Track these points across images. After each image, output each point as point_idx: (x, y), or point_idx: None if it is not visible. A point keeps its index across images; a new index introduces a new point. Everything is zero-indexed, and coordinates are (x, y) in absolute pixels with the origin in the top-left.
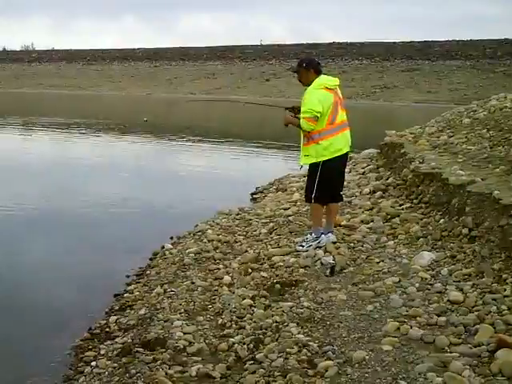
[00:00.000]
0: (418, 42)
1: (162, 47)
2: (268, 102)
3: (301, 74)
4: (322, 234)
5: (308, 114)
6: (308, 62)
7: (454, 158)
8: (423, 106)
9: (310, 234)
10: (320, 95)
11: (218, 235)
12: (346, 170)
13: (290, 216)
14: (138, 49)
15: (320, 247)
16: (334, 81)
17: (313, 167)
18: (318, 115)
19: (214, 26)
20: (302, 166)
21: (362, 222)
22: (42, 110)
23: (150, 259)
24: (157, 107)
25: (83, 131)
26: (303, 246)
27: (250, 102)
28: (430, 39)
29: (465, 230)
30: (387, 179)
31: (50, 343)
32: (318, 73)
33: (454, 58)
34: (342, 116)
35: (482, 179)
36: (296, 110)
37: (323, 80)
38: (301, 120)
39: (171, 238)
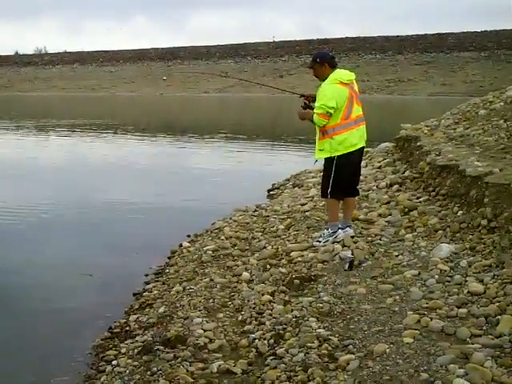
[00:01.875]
0: (432, 34)
1: (173, 47)
2: (282, 98)
3: (315, 69)
4: (339, 228)
5: (321, 109)
6: (321, 56)
7: (470, 149)
8: (438, 99)
9: (327, 229)
10: (334, 90)
11: (236, 232)
12: (362, 164)
13: (307, 211)
14: (151, 49)
15: (337, 242)
16: (349, 75)
17: (328, 162)
18: (331, 111)
19: (225, 23)
20: (316, 161)
21: (379, 215)
22: (56, 112)
23: (168, 257)
24: (170, 106)
25: (97, 132)
26: (320, 242)
27: (266, 85)
28: (444, 31)
29: (484, 222)
30: (404, 172)
31: (71, 343)
32: (333, 66)
33: (469, 49)
34: (357, 110)
35: (500, 170)
36: (311, 98)
37: (338, 74)
38: (314, 115)
39: (188, 235)
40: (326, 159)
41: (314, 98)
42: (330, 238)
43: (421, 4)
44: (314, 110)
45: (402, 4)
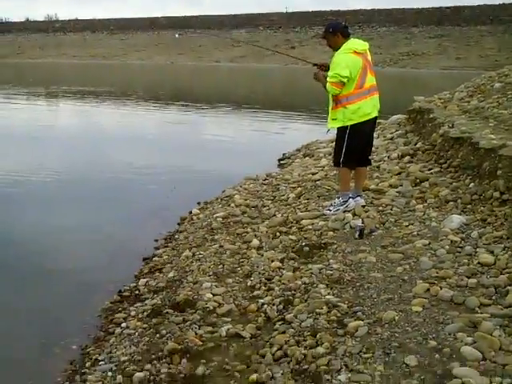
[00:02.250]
0: (447, 7)
1: (185, 15)
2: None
3: (329, 39)
4: (350, 198)
5: (334, 78)
6: (334, 26)
7: (484, 122)
8: (452, 73)
9: (338, 198)
10: (348, 60)
11: (246, 200)
12: (374, 135)
13: (317, 180)
14: (162, 17)
15: (348, 211)
16: (363, 45)
17: (341, 131)
18: (345, 80)
19: None
20: (329, 130)
21: (390, 186)
22: (66, 80)
23: (178, 224)
24: (181, 75)
25: (108, 100)
26: (331, 210)
27: (280, 52)
28: (460, 3)
29: (496, 194)
30: (415, 144)
31: (81, 306)
32: (346, 36)
33: (485, 23)
34: (371, 80)
35: None
36: (324, 68)
37: (352, 44)
38: (327, 84)
39: (198, 203)
40: (338, 128)
41: (327, 68)
42: (341, 207)
43: None
44: (328, 79)
45: None
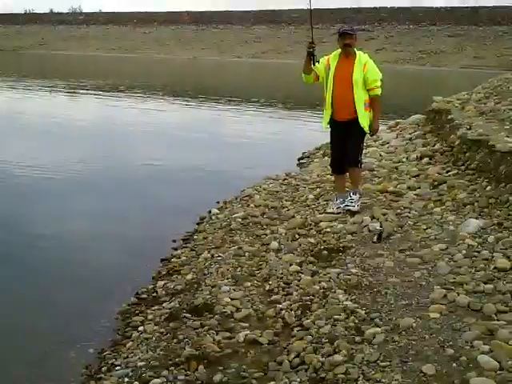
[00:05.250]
0: (466, 7)
1: (208, 10)
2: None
3: (353, 40)
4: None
5: (381, 82)
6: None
7: (501, 124)
8: (470, 72)
9: (355, 193)
10: None
11: (265, 200)
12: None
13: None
14: (185, 12)
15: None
16: None
17: (363, 134)
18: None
19: None
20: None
21: (408, 188)
22: (89, 72)
23: (197, 224)
24: (204, 70)
25: (130, 95)
26: (354, 206)
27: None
28: (478, 5)
29: None
30: (434, 145)
31: (98, 308)
32: None
33: (501, 23)
34: None
35: None
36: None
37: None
38: (378, 89)
39: (217, 202)
40: (363, 130)
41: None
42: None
43: None
44: (378, 84)
45: None
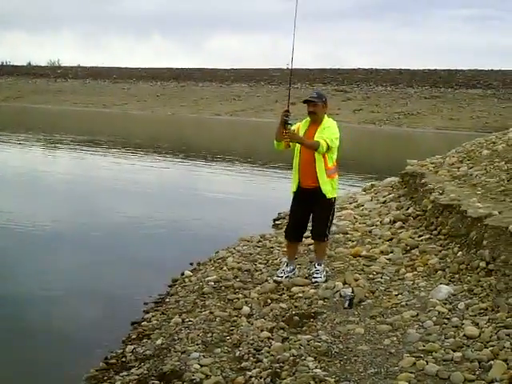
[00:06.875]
0: (442, 70)
1: (188, 68)
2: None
3: (320, 107)
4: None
5: (333, 143)
6: (326, 98)
7: (472, 189)
8: (445, 133)
9: (320, 264)
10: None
11: (239, 263)
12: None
13: (310, 245)
14: (165, 68)
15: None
16: None
17: (330, 203)
18: (334, 149)
19: (241, 47)
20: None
21: (381, 252)
22: (66, 127)
23: (169, 286)
24: (181, 128)
25: (106, 150)
26: (321, 277)
27: None
28: (454, 68)
29: (482, 264)
30: (408, 209)
31: (64, 373)
32: None
33: (476, 86)
34: None
35: (499, 212)
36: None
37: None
38: (322, 141)
39: (191, 263)
40: (329, 199)
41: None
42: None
43: (434, 40)
44: (328, 141)
45: (415, 39)
